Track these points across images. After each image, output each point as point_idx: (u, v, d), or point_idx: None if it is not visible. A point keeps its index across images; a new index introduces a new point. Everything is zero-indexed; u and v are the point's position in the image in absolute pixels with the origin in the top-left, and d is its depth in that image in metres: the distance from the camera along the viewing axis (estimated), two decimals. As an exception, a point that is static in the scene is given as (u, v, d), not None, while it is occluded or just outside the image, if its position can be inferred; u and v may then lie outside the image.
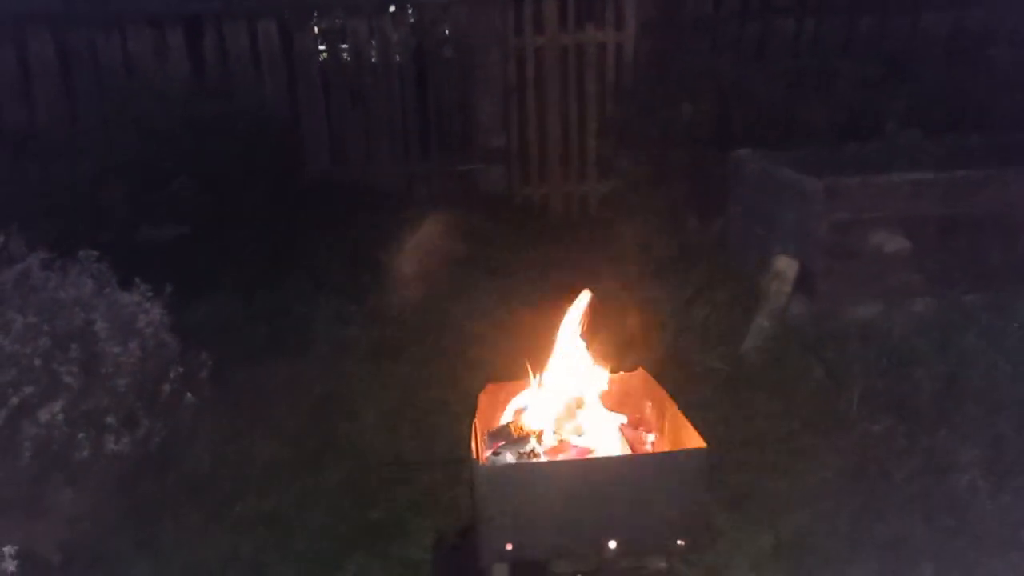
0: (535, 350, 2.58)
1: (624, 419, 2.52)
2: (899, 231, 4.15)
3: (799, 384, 3.69)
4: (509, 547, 2.13)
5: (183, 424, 3.30)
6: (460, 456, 3.00)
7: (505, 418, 2.52)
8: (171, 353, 3.35)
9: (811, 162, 4.48)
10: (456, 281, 4.85)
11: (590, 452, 2.36)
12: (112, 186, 5.19)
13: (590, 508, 2.14)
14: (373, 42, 6.21)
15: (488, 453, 2.35)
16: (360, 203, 5.73)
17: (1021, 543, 2.71)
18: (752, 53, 6.26)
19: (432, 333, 4.37)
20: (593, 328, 2.56)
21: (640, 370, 2.66)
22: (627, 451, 2.38)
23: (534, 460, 2.30)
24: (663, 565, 2.22)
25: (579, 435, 2.43)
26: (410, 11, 6.30)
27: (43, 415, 2.76)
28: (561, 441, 2.41)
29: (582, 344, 2.52)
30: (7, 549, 2.38)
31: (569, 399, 2.47)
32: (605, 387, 2.53)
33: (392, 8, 6.18)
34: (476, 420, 2.41)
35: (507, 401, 2.55)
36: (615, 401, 2.56)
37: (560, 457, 2.34)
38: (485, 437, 2.42)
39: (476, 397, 2.57)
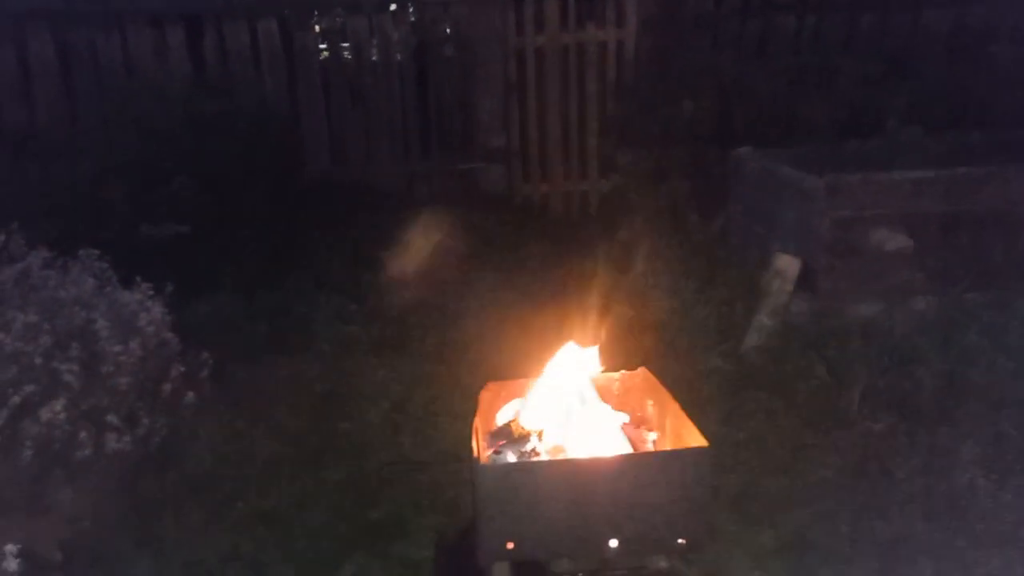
0: (536, 349, 2.58)
1: (626, 418, 2.51)
2: (900, 229, 4.15)
3: (800, 382, 3.69)
4: (510, 546, 2.12)
5: (184, 423, 3.30)
6: (460, 455, 3.00)
7: (506, 417, 2.52)
8: (172, 352, 3.36)
9: (812, 159, 4.48)
10: (457, 280, 4.84)
11: (591, 451, 2.35)
12: (112, 185, 5.20)
13: (591, 507, 2.13)
14: (374, 41, 6.21)
15: (489, 452, 2.34)
16: (360, 202, 5.73)
17: (1022, 541, 2.71)
18: (753, 50, 6.25)
19: (432, 332, 4.36)
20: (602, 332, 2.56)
21: (642, 369, 2.65)
22: (629, 450, 2.37)
23: (535, 459, 2.30)
24: (664, 564, 2.22)
25: (580, 434, 2.42)
26: (411, 10, 6.30)
27: (44, 414, 2.77)
28: (562, 441, 2.40)
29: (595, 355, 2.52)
30: (8, 548, 2.38)
31: (570, 398, 2.47)
32: (607, 386, 2.52)
33: (393, 7, 6.18)
34: (477, 419, 2.40)
35: (508, 400, 2.55)
36: (617, 400, 2.56)
37: (561, 456, 2.33)
38: (486, 436, 2.41)
39: (477, 396, 2.56)
